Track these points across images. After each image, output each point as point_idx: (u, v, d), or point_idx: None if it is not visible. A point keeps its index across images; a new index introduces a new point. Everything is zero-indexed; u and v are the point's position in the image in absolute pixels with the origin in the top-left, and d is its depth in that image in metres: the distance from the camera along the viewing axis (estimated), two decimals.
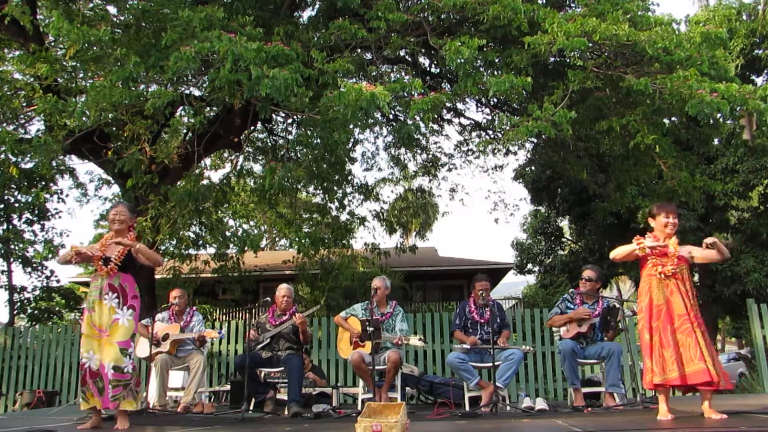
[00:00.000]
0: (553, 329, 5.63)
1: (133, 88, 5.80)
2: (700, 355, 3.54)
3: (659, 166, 7.97)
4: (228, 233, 9.57)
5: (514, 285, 24.96)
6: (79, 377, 8.05)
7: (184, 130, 8.43)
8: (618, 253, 4.02)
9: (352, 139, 8.43)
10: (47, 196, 11.65)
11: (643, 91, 5.81)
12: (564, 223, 18.06)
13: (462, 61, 5.66)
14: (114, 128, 7.94)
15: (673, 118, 7.96)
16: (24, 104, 7.82)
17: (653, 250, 3.84)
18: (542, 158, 10.32)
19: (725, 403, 3.72)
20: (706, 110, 5.45)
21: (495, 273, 17.27)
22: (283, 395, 5.71)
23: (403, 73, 9.65)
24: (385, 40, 6.70)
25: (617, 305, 5.37)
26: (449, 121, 10.74)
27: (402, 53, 8.26)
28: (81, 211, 61.61)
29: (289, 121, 10.11)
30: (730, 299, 11.97)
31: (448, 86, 8.50)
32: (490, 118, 10.20)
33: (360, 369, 5.31)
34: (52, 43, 8.18)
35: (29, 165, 8.64)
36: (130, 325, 4.06)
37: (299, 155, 8.09)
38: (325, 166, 7.34)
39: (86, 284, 15.74)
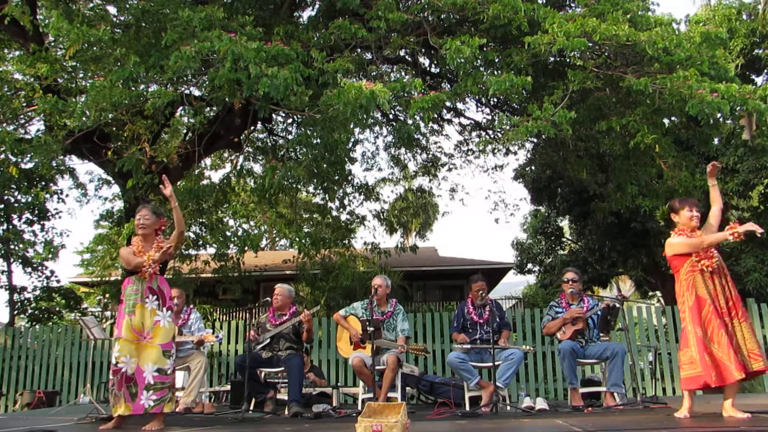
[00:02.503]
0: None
1: (133, 88, 5.80)
2: (748, 346, 3.58)
3: (659, 165, 7.98)
4: (228, 233, 9.57)
5: (514, 285, 24.98)
6: (79, 377, 8.15)
7: (184, 130, 8.46)
8: (680, 248, 3.85)
9: (352, 139, 8.43)
10: (47, 196, 11.66)
11: (643, 91, 5.81)
12: (564, 223, 18.06)
13: (462, 60, 5.66)
14: (114, 128, 7.95)
15: (673, 118, 7.96)
16: (24, 104, 7.83)
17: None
18: (542, 158, 10.32)
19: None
20: (706, 110, 5.46)
21: (495, 273, 17.28)
22: (283, 395, 5.71)
23: (403, 73, 9.65)
24: (385, 39, 6.70)
25: (617, 305, 5.37)
26: (449, 121, 10.75)
27: (402, 53, 8.26)
28: (81, 211, 61.65)
29: (289, 121, 10.12)
30: None
31: (448, 86, 8.50)
32: (490, 118, 10.22)
33: (362, 373, 5.31)
34: (52, 43, 8.19)
35: (29, 165, 8.65)
36: (170, 327, 4.05)
37: (299, 155, 8.10)
38: (325, 165, 7.34)
39: (86, 284, 15.77)
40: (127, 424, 4.01)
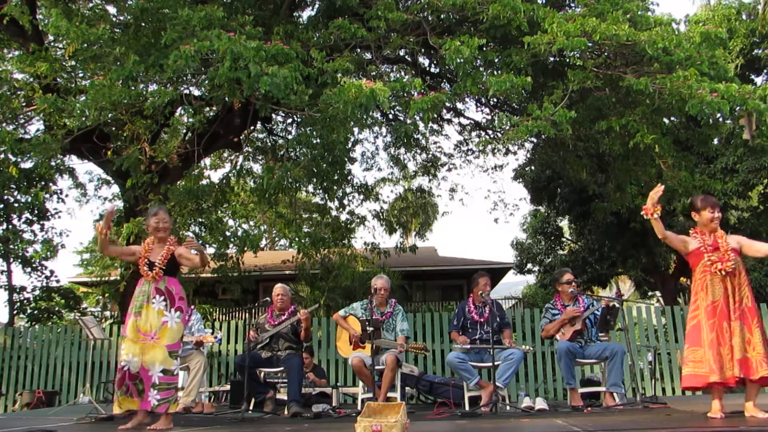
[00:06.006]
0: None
1: (132, 88, 5.79)
2: (754, 351, 3.54)
3: (659, 165, 7.98)
4: (228, 233, 9.56)
5: (513, 285, 24.97)
6: (79, 377, 8.14)
7: (184, 130, 8.45)
8: (672, 243, 3.94)
9: (351, 139, 8.42)
10: (47, 196, 11.64)
11: (643, 90, 5.81)
12: (564, 223, 18.07)
13: (462, 60, 5.66)
14: (113, 128, 7.94)
15: (672, 118, 7.97)
16: (23, 104, 7.82)
17: (706, 246, 3.78)
18: (542, 158, 10.33)
19: (725, 402, 3.70)
20: (706, 110, 5.46)
21: (495, 273, 17.26)
22: (282, 395, 5.71)
23: (402, 73, 9.65)
24: (384, 39, 6.70)
25: (617, 305, 5.37)
26: (449, 121, 10.75)
27: (402, 53, 8.26)
28: (81, 211, 61.65)
29: (289, 120, 10.12)
30: None
31: (448, 86, 8.50)
32: (489, 117, 10.22)
33: (362, 374, 5.30)
34: (52, 43, 8.18)
35: (29, 165, 8.64)
36: (178, 327, 4.03)
37: (299, 155, 8.09)
38: (324, 165, 7.34)
39: (86, 284, 15.77)
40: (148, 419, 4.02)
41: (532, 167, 13.73)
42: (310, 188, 10.16)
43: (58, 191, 11.99)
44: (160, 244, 4.16)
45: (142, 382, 3.87)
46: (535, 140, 9.52)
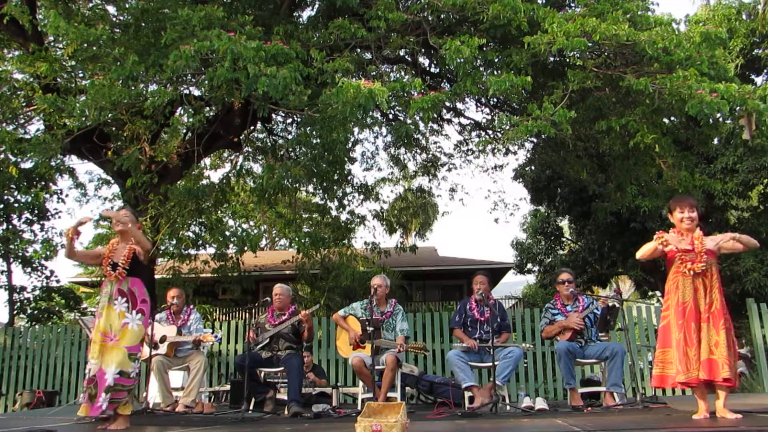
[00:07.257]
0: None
1: (132, 87, 5.79)
2: (719, 352, 3.54)
3: (659, 165, 7.98)
4: (227, 233, 9.56)
5: (514, 285, 24.97)
6: (79, 377, 8.15)
7: (184, 130, 8.45)
8: (643, 252, 3.92)
9: (351, 138, 8.42)
10: (47, 196, 11.65)
11: (643, 90, 5.80)
12: (564, 223, 18.07)
13: (462, 60, 5.65)
14: (113, 128, 7.94)
15: (672, 118, 7.96)
16: (23, 104, 7.82)
17: (678, 248, 3.76)
18: (542, 158, 10.33)
19: (726, 402, 3.71)
20: (705, 110, 5.44)
21: (495, 273, 17.28)
22: (283, 395, 5.71)
23: (402, 73, 9.64)
24: (384, 39, 6.70)
25: (617, 305, 5.37)
26: (449, 121, 10.75)
27: (402, 53, 8.25)
28: (81, 211, 61.58)
29: (289, 120, 10.12)
30: (729, 299, 11.93)
31: (448, 86, 8.49)
32: (489, 117, 10.21)
33: (362, 374, 5.31)
34: (52, 43, 8.18)
35: (29, 165, 8.64)
36: (140, 330, 4.03)
37: (298, 155, 8.09)
38: (324, 165, 7.34)
39: (86, 284, 15.78)
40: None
41: (532, 167, 13.72)
42: (310, 188, 10.14)
43: (58, 191, 12.00)
44: (124, 243, 4.16)
45: (96, 386, 3.84)
46: (535, 140, 9.52)
